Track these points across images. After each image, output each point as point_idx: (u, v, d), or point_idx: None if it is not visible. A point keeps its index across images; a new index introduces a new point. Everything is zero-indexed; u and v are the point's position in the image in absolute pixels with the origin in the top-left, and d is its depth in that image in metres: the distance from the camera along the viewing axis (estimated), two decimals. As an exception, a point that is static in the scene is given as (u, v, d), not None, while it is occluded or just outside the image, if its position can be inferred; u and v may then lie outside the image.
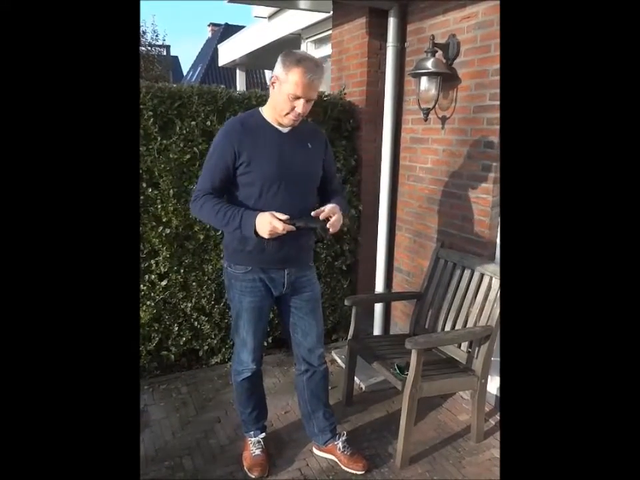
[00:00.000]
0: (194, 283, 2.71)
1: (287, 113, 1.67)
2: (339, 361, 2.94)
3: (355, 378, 2.57)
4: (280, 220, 1.61)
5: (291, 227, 1.62)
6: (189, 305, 2.71)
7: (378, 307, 3.10)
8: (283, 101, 1.65)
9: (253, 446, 2.06)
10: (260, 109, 1.79)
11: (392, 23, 2.73)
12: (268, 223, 1.61)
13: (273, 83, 1.68)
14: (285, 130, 1.76)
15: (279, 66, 1.65)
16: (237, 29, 13.52)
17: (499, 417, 2.41)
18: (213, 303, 2.78)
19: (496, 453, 2.16)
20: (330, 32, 3.39)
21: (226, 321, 2.79)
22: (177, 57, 27.16)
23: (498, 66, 2.20)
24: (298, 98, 1.64)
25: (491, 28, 2.22)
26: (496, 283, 2.17)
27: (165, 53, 17.96)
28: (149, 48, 15.33)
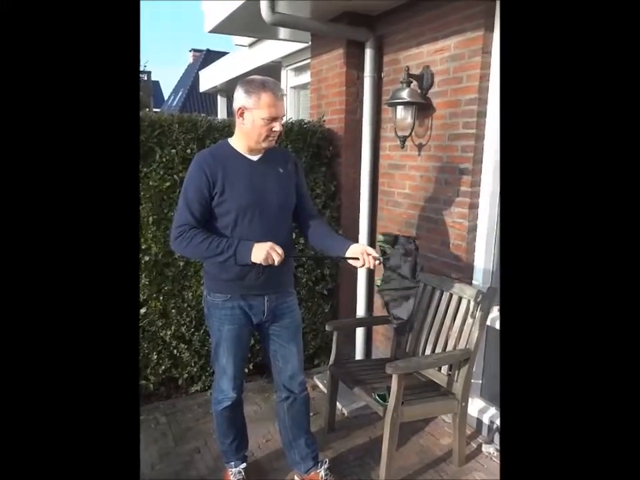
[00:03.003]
0: (173, 310, 2.68)
1: (267, 136, 1.70)
2: (320, 386, 2.93)
3: (337, 403, 2.56)
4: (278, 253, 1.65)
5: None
6: (169, 332, 2.68)
7: (359, 331, 3.10)
8: (260, 126, 1.67)
9: (234, 477, 2.02)
10: (228, 140, 1.80)
11: (369, 54, 2.82)
12: (265, 251, 1.64)
13: (241, 114, 1.67)
14: (255, 158, 1.77)
15: (242, 96, 1.65)
16: (218, 55, 13.69)
17: (480, 440, 2.42)
18: (192, 330, 2.75)
19: (478, 476, 2.16)
20: (310, 60, 3.47)
21: (206, 348, 2.76)
22: (157, 81, 27.37)
23: (470, 96, 2.29)
24: (274, 119, 1.67)
25: (463, 60, 2.32)
26: (474, 306, 2.20)
27: (146, 79, 18.06)
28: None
